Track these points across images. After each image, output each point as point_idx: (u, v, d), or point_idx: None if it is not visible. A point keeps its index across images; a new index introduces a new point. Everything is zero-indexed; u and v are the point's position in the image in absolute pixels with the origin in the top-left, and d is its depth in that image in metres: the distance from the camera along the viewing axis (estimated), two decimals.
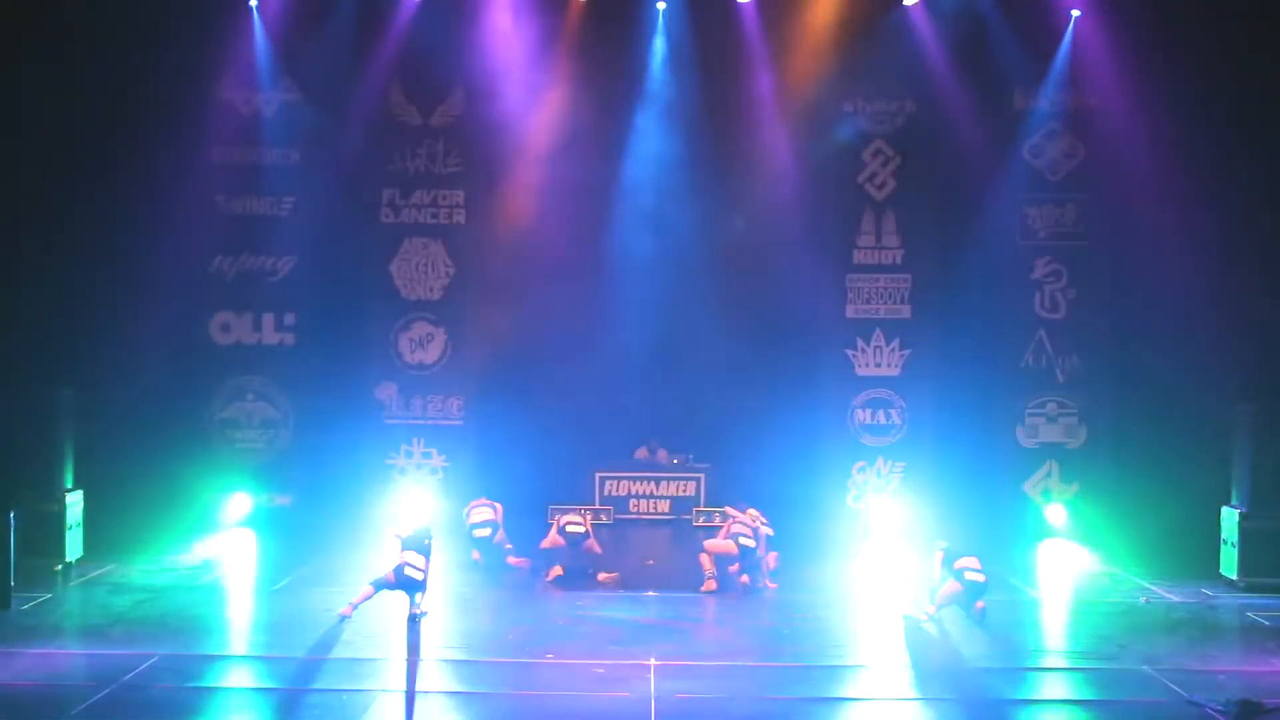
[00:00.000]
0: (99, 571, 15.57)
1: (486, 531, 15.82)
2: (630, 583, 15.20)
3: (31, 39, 17.75)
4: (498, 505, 16.06)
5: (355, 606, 13.22)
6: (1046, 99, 18.92)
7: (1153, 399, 18.44)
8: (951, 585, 13.47)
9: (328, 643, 12.60)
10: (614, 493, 19.00)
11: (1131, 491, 18.24)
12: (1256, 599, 14.80)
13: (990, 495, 18.79)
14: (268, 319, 19.20)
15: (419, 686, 11.60)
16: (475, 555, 15.97)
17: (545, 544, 15.50)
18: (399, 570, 13.08)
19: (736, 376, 19.06)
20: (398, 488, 18.97)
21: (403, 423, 19.33)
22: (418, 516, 14.23)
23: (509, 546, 15.85)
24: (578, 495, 18.69)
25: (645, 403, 19.34)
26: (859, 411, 19.27)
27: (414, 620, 13.07)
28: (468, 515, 16.07)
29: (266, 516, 18.77)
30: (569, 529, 15.48)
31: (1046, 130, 19.00)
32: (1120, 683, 11.71)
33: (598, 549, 15.62)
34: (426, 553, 13.24)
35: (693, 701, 11.04)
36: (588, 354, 19.06)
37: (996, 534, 18.09)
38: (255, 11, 18.62)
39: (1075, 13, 18.48)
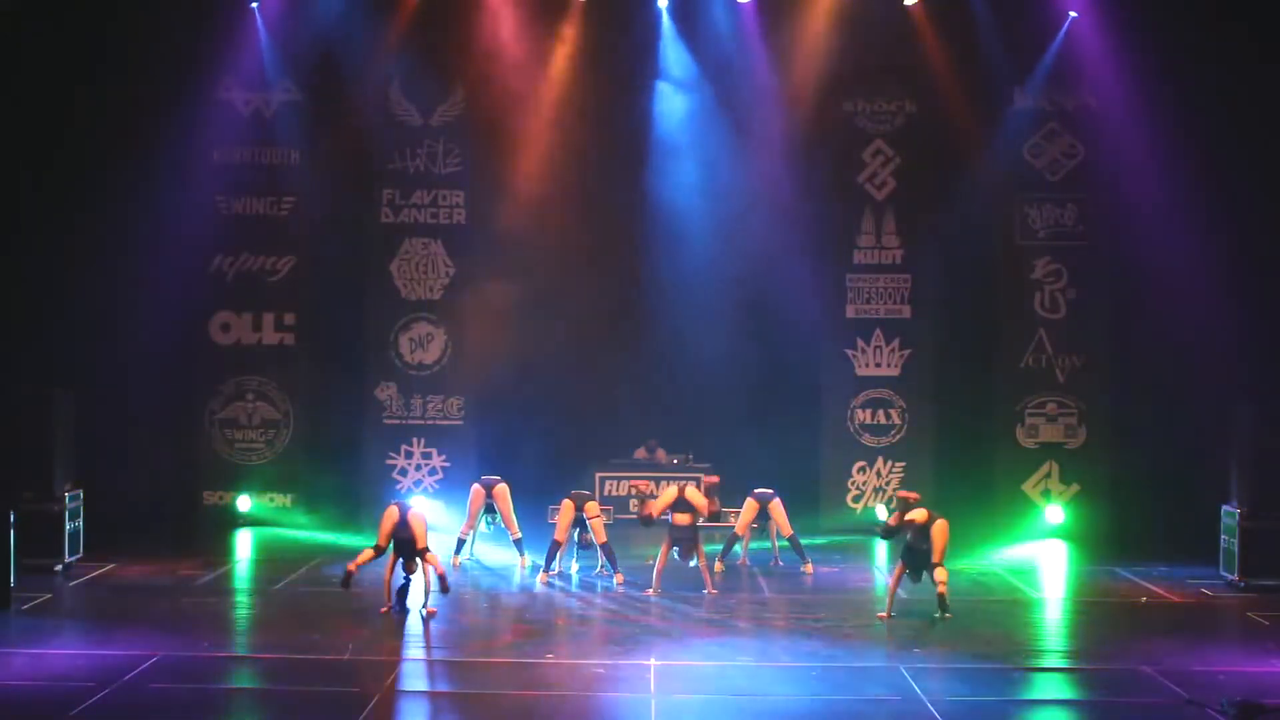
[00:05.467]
0: (99, 571, 15.57)
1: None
2: (631, 583, 15.20)
3: (30, 39, 17.76)
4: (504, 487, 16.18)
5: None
6: (1047, 99, 18.91)
7: (1153, 399, 18.45)
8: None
9: (328, 643, 12.60)
10: (614, 493, 18.98)
11: (1131, 491, 18.25)
12: (1256, 599, 14.79)
13: (990, 495, 18.80)
14: (268, 319, 19.20)
15: (418, 686, 11.60)
16: (456, 560, 16.08)
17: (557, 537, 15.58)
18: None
19: (736, 376, 19.05)
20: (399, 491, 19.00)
21: (403, 423, 19.33)
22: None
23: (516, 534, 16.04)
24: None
25: (645, 403, 19.34)
26: (859, 411, 19.26)
27: (422, 619, 13.20)
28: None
29: (266, 516, 18.78)
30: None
31: (1046, 130, 19.00)
32: (1120, 683, 11.71)
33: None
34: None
35: (693, 701, 11.04)
36: (588, 353, 19.07)
37: (996, 534, 18.13)
38: (256, 11, 18.62)
39: (1072, 14, 18.48)
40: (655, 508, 14.94)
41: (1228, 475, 15.85)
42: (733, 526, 16.32)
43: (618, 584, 15.19)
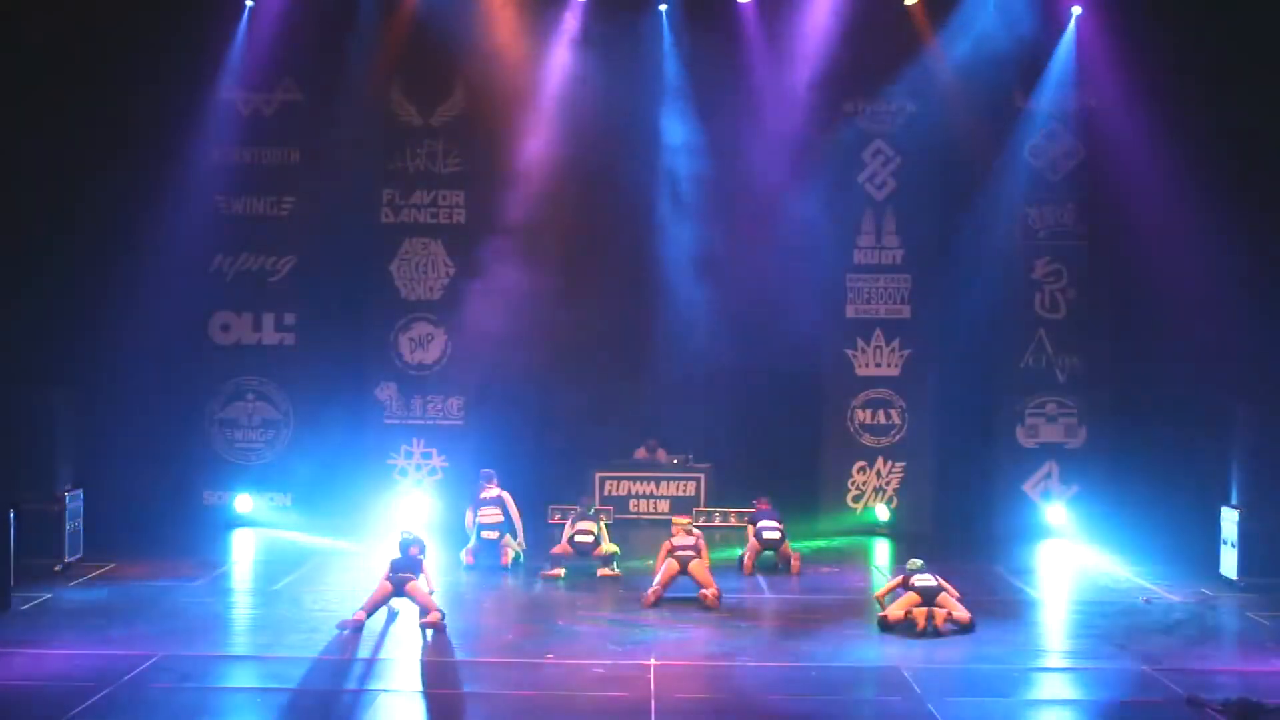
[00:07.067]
0: (99, 571, 15.57)
1: (494, 534, 15.96)
2: (630, 583, 15.19)
3: (31, 39, 17.75)
4: (506, 495, 16.13)
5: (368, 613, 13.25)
6: (1046, 99, 18.89)
7: (1153, 399, 18.43)
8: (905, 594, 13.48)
9: (328, 643, 12.60)
10: (614, 493, 19.00)
11: (1131, 491, 18.22)
12: (1256, 599, 14.79)
13: (990, 495, 18.80)
14: (268, 319, 19.19)
15: (418, 687, 11.60)
16: (468, 558, 16.04)
17: (555, 551, 15.54)
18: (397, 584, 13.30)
19: (736, 376, 19.06)
20: (399, 492, 18.97)
21: (403, 423, 19.31)
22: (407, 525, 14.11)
23: (521, 546, 16.08)
24: (577, 495, 18.66)
25: (645, 403, 19.34)
26: (859, 411, 19.25)
27: (422, 630, 13.09)
28: (476, 511, 16.12)
29: (266, 517, 18.77)
30: (578, 539, 15.50)
31: (1046, 130, 18.98)
32: (1120, 683, 11.72)
33: (604, 552, 15.57)
34: (417, 569, 13.37)
35: (693, 701, 11.03)
36: (588, 354, 19.07)
37: (996, 534, 18.14)
38: (255, 11, 18.62)
39: (1076, 10, 18.48)
40: (659, 588, 14.28)
41: (1228, 475, 15.85)
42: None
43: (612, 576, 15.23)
